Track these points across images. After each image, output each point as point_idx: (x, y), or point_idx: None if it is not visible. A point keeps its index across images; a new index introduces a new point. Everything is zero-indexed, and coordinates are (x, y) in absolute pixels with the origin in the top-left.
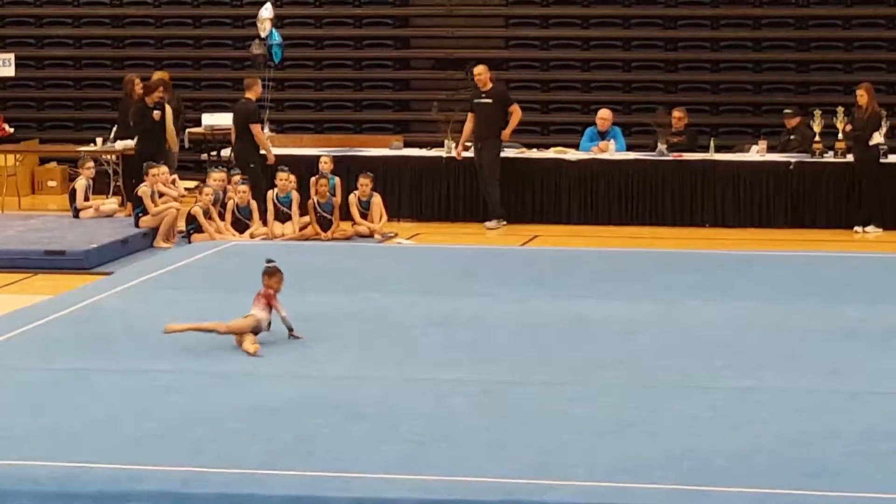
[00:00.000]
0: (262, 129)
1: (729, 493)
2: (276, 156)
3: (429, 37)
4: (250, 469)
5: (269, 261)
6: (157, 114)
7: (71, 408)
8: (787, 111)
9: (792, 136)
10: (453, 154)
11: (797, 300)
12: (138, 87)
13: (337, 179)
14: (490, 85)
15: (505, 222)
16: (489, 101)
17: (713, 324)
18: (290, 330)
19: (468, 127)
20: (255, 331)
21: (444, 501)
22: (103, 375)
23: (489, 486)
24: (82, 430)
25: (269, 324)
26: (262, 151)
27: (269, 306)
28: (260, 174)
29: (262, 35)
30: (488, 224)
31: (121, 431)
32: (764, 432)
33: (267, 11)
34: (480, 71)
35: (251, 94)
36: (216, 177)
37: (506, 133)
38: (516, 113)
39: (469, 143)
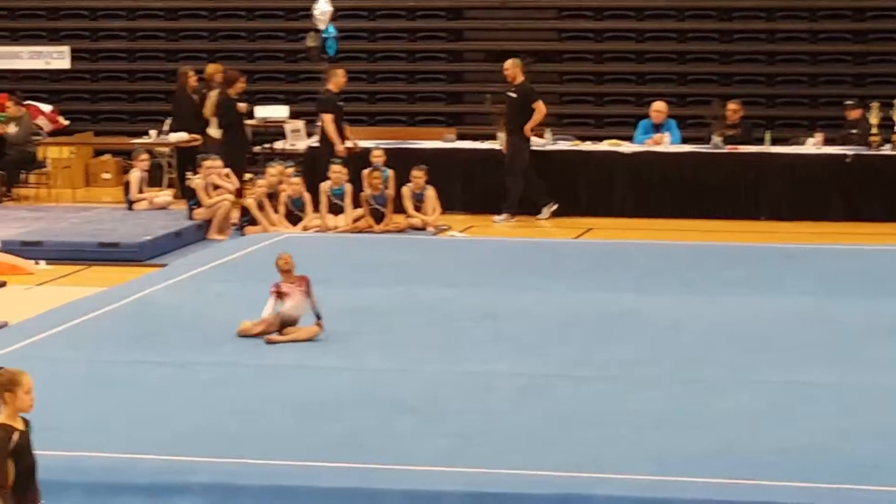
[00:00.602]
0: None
1: (776, 487)
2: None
3: (482, 29)
4: (299, 461)
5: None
6: (242, 106)
7: (122, 399)
8: (847, 103)
9: (853, 129)
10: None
11: (852, 295)
12: (192, 80)
13: (390, 172)
14: (520, 79)
15: (515, 219)
16: (514, 95)
17: (766, 317)
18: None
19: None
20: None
21: (491, 494)
22: (155, 368)
23: (536, 479)
24: (133, 422)
25: None
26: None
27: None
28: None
29: (320, 28)
30: (497, 218)
31: (171, 423)
32: (813, 427)
33: (325, 4)
34: (508, 66)
35: (331, 86)
36: (273, 171)
37: (526, 127)
38: (539, 110)
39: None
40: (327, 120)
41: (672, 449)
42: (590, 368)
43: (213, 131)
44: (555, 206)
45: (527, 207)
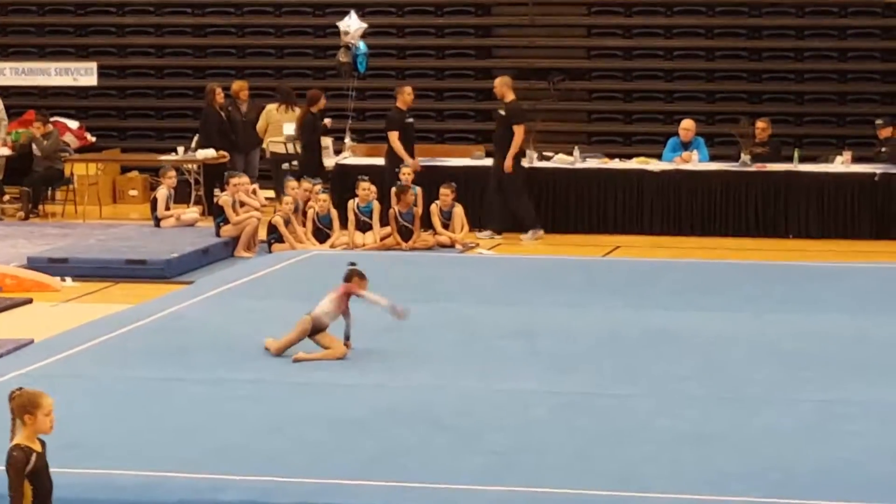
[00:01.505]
0: (400, 137)
1: None
2: (356, 166)
3: (511, 46)
4: (332, 479)
5: (352, 264)
6: (328, 121)
7: (151, 416)
8: (878, 122)
9: (883, 148)
10: (535, 164)
11: (883, 312)
12: (219, 97)
13: (419, 189)
14: (510, 97)
15: (542, 232)
16: (503, 113)
17: (797, 336)
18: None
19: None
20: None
21: None
22: (184, 385)
23: (572, 497)
24: (163, 439)
25: None
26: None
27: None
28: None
29: (350, 44)
30: (524, 236)
31: (202, 440)
32: (850, 445)
33: (355, 22)
34: (497, 84)
35: (399, 103)
36: (292, 185)
37: (507, 163)
38: (518, 133)
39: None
40: (393, 137)
41: (710, 467)
42: (626, 386)
43: (275, 145)
44: (541, 234)
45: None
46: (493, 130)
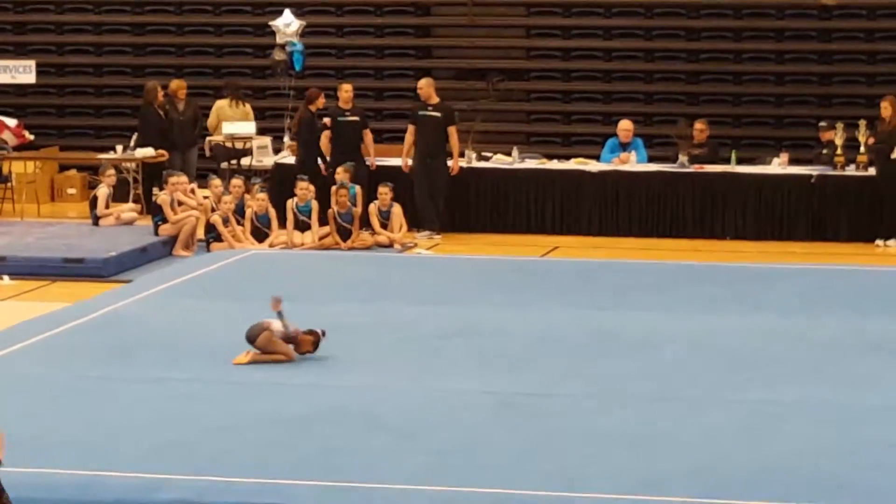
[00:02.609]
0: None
1: None
2: (294, 165)
3: (450, 47)
4: (270, 479)
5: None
6: (327, 120)
7: (89, 415)
8: (822, 124)
9: (825, 150)
10: (474, 164)
11: (819, 314)
12: (159, 95)
13: (357, 189)
14: (435, 98)
15: (439, 236)
16: (437, 114)
17: (735, 337)
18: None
19: (410, 140)
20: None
21: None
22: (122, 384)
23: (510, 498)
24: (101, 438)
25: None
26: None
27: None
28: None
29: (282, 43)
30: (421, 234)
31: (140, 440)
32: (787, 446)
33: (288, 21)
34: (423, 85)
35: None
36: (215, 183)
37: (454, 165)
38: (453, 135)
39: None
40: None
41: (647, 468)
42: (564, 387)
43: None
44: (439, 240)
45: (497, 225)
46: None
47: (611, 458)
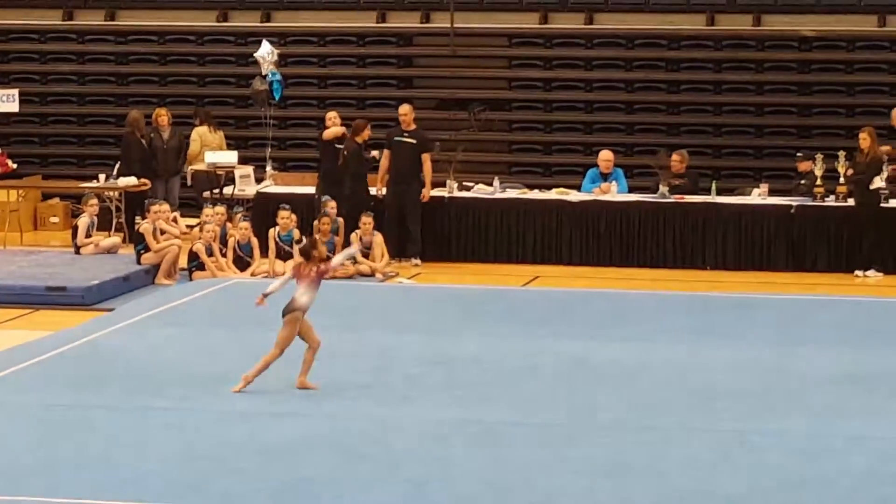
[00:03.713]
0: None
1: None
2: (277, 194)
3: (432, 77)
4: None
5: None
6: (376, 153)
7: (70, 444)
8: (798, 155)
9: (802, 181)
10: (455, 193)
11: (798, 344)
12: (142, 124)
13: (340, 220)
14: (413, 126)
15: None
16: (412, 140)
17: (713, 366)
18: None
19: (385, 164)
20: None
21: None
22: (103, 412)
23: None
24: (81, 467)
25: None
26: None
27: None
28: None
29: (265, 72)
30: (417, 261)
31: (120, 468)
32: (764, 476)
33: (267, 51)
34: (406, 111)
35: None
36: (207, 212)
37: (425, 193)
38: (426, 162)
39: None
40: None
41: (622, 497)
42: (542, 416)
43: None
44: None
45: (478, 254)
46: None
47: (588, 487)
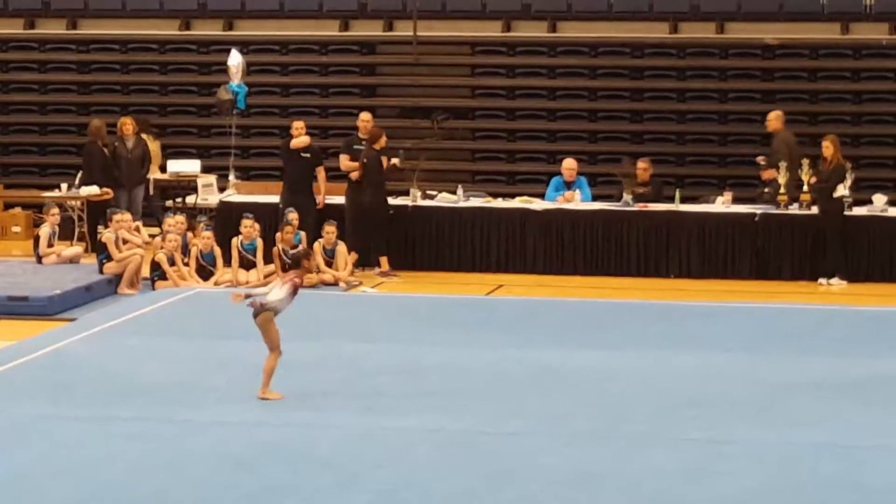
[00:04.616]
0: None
1: None
2: (240, 203)
3: (395, 85)
4: None
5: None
6: (396, 161)
7: (33, 454)
8: (761, 163)
9: (766, 189)
10: (420, 202)
11: (762, 352)
12: (104, 133)
13: (302, 233)
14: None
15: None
16: (377, 148)
17: (679, 375)
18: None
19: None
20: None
21: None
22: (66, 422)
23: None
24: (44, 477)
25: None
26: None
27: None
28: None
29: (232, 81)
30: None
31: (81, 479)
32: (730, 484)
33: (236, 59)
34: (367, 119)
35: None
36: (169, 221)
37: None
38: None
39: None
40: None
41: None
42: (509, 424)
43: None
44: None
45: (441, 262)
46: None
47: (556, 496)
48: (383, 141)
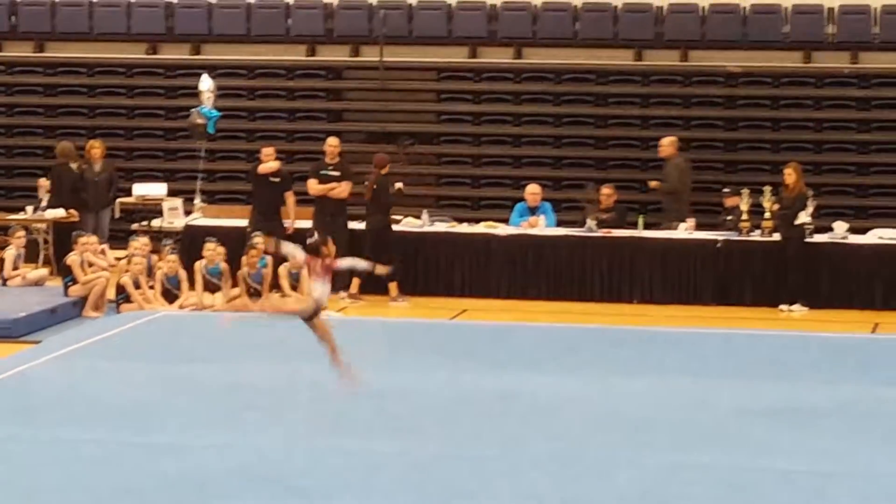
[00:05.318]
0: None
1: None
2: (206, 227)
3: (361, 110)
4: None
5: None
6: (400, 185)
7: None
8: (725, 190)
9: (729, 217)
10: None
11: (722, 378)
12: (73, 156)
13: (268, 257)
14: (338, 159)
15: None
16: (337, 174)
17: (640, 400)
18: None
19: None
20: (318, 311)
21: None
22: (29, 445)
23: None
24: (6, 500)
25: None
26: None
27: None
28: None
29: (204, 106)
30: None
31: (46, 503)
32: None
33: (208, 84)
34: (335, 144)
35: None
36: (134, 244)
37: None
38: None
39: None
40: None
41: None
42: (471, 449)
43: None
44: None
45: (406, 286)
46: None
47: None
48: (388, 167)
